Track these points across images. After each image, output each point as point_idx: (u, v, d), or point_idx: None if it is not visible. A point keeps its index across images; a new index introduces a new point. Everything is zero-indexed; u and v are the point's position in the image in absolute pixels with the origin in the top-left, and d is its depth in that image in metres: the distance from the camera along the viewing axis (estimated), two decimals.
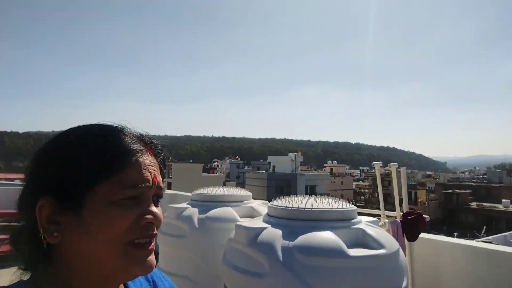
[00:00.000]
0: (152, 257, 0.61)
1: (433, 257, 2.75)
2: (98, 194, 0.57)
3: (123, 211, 0.57)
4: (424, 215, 2.47)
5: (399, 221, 2.41)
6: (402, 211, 2.65)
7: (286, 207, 1.96)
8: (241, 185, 49.19)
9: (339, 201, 2.04)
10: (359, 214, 2.09)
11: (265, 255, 1.72)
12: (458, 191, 51.20)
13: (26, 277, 0.61)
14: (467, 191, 51.65)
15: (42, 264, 0.60)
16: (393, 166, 2.73)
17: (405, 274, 1.83)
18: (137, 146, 0.62)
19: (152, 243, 0.61)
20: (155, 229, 0.62)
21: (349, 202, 2.08)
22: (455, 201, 49.64)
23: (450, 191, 52.12)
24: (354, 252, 1.69)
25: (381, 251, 1.72)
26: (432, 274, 2.76)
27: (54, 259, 0.59)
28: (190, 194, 3.16)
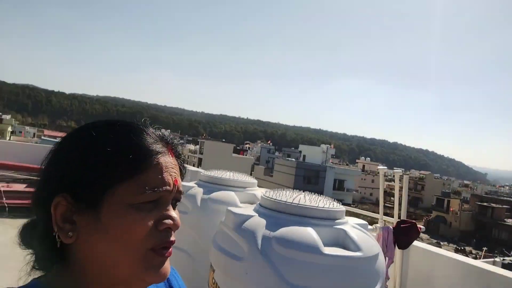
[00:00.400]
0: (167, 264, 0.58)
1: (426, 267, 2.77)
2: (118, 196, 0.53)
3: (143, 215, 0.54)
4: (419, 225, 2.49)
5: (392, 228, 2.45)
6: (400, 218, 2.68)
7: (275, 199, 2.06)
8: (270, 170, 49.40)
9: (330, 201, 2.11)
10: (366, 216, 2.15)
11: (246, 240, 1.85)
12: (494, 205, 48.86)
13: (34, 274, 0.58)
14: (504, 206, 49.14)
15: (55, 264, 0.57)
16: (396, 172, 2.74)
17: (380, 279, 1.89)
18: (159, 147, 0.58)
19: (170, 250, 0.58)
20: (173, 234, 0.58)
21: (354, 205, 2.15)
22: (489, 215, 47.50)
23: (485, 203, 49.84)
24: (330, 250, 1.77)
25: (357, 253, 1.79)
26: (423, 284, 2.79)
27: (68, 260, 0.56)
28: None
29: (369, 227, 2.43)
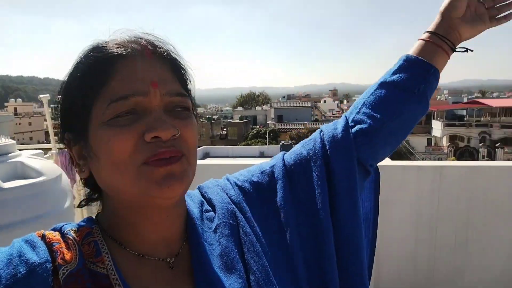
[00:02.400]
0: (177, 175, 0.50)
1: None
2: (93, 118, 0.51)
3: (118, 130, 0.49)
4: None
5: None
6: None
7: None
8: None
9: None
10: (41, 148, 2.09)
11: None
12: None
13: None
14: None
15: (98, 198, 0.59)
16: (44, 98, 2.77)
17: (68, 196, 2.06)
18: (124, 50, 0.51)
19: (174, 159, 0.50)
20: (175, 144, 0.51)
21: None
22: None
23: None
24: (10, 184, 1.74)
25: (39, 179, 1.85)
26: None
27: (102, 193, 0.58)
28: None
29: (45, 155, 2.45)
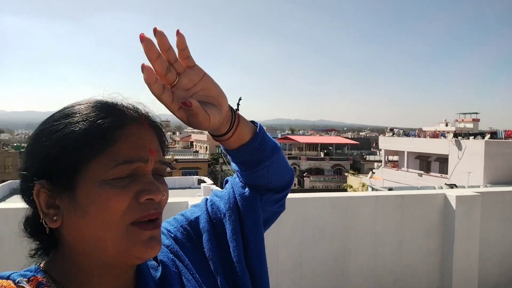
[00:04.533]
0: (157, 238, 0.56)
1: None
2: (90, 174, 0.52)
3: (118, 190, 0.52)
4: None
5: None
6: None
7: None
8: None
9: None
10: None
11: None
12: None
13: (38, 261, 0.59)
14: None
15: (51, 249, 0.58)
16: None
17: None
18: (128, 118, 0.56)
19: (157, 222, 0.57)
20: (160, 207, 0.57)
21: None
22: None
23: None
24: None
25: None
26: None
27: (61, 244, 0.57)
28: None
29: None
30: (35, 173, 0.54)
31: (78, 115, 0.54)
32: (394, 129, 35.05)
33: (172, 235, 0.73)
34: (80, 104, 0.56)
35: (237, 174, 0.82)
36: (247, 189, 0.80)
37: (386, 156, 34.12)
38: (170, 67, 0.56)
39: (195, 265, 0.70)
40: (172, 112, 0.60)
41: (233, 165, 0.80)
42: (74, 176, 0.52)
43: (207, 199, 0.82)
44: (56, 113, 0.57)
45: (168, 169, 0.62)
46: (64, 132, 0.53)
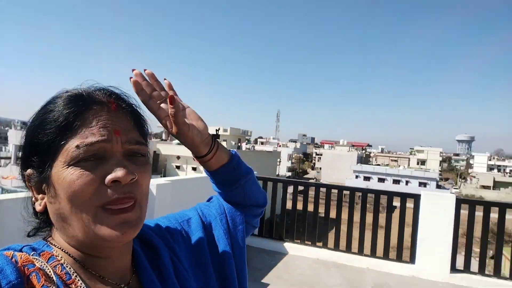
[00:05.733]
0: (131, 223, 0.57)
1: None
2: (59, 159, 0.55)
3: (81, 172, 0.54)
4: None
5: None
6: None
7: None
8: None
9: None
10: None
11: None
12: None
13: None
14: None
15: (48, 228, 0.62)
16: None
17: None
18: (94, 102, 0.59)
19: (128, 206, 0.57)
20: (132, 190, 0.57)
21: None
22: None
23: None
24: None
25: None
26: None
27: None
28: None
29: None
30: (24, 163, 0.60)
31: (48, 106, 0.59)
32: None
33: (166, 231, 0.78)
34: (56, 98, 0.60)
35: (218, 194, 0.92)
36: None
37: None
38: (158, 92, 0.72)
39: (186, 256, 0.76)
40: (159, 120, 0.71)
41: (214, 186, 0.90)
42: (50, 163, 0.56)
43: (196, 206, 0.91)
44: (40, 108, 0.61)
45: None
46: (37, 122, 0.58)
